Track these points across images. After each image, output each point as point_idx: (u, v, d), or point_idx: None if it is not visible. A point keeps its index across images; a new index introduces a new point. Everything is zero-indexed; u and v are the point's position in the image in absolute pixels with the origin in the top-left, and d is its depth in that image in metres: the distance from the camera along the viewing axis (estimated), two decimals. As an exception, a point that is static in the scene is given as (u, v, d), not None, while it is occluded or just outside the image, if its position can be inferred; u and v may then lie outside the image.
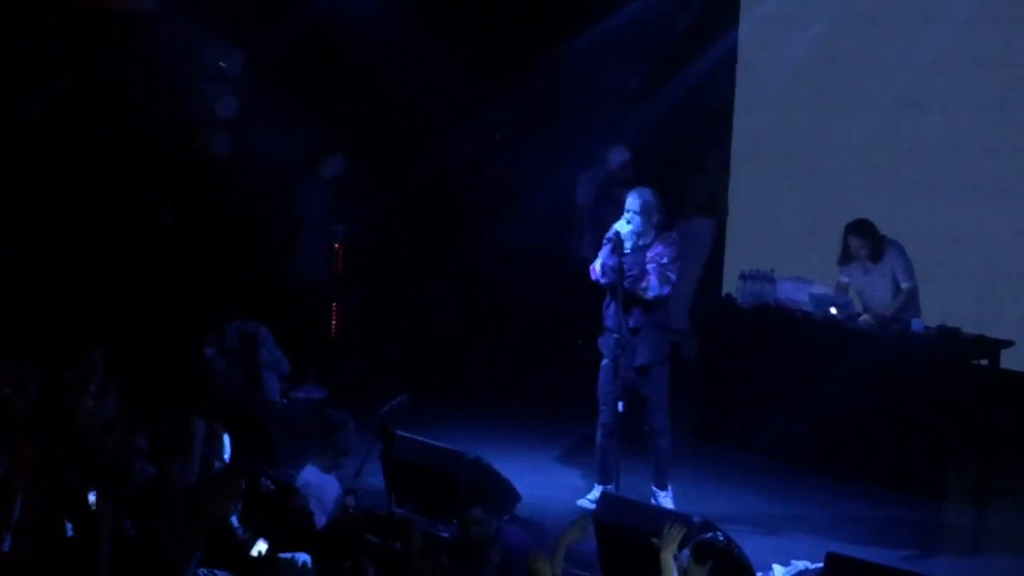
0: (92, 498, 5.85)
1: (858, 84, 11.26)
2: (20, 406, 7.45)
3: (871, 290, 9.69)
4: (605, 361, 8.54)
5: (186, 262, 11.41)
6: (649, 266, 8.32)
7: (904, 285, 9.56)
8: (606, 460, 8.61)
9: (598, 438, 8.66)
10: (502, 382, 11.58)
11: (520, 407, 10.98)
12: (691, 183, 12.35)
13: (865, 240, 9.58)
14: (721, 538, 6.54)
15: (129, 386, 8.01)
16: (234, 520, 6.18)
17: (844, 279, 9.84)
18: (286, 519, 6.35)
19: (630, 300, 8.34)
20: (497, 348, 12.03)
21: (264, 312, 10.54)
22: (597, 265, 8.43)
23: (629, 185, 9.46)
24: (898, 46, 11.03)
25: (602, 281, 8.42)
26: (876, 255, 9.59)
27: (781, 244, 11.20)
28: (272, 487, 6.74)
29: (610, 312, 8.45)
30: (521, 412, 10.85)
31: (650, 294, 8.33)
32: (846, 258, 9.74)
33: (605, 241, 8.39)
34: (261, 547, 5.75)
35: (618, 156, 11.69)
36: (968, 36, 10.64)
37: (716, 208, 12.20)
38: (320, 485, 7.25)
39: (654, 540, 6.32)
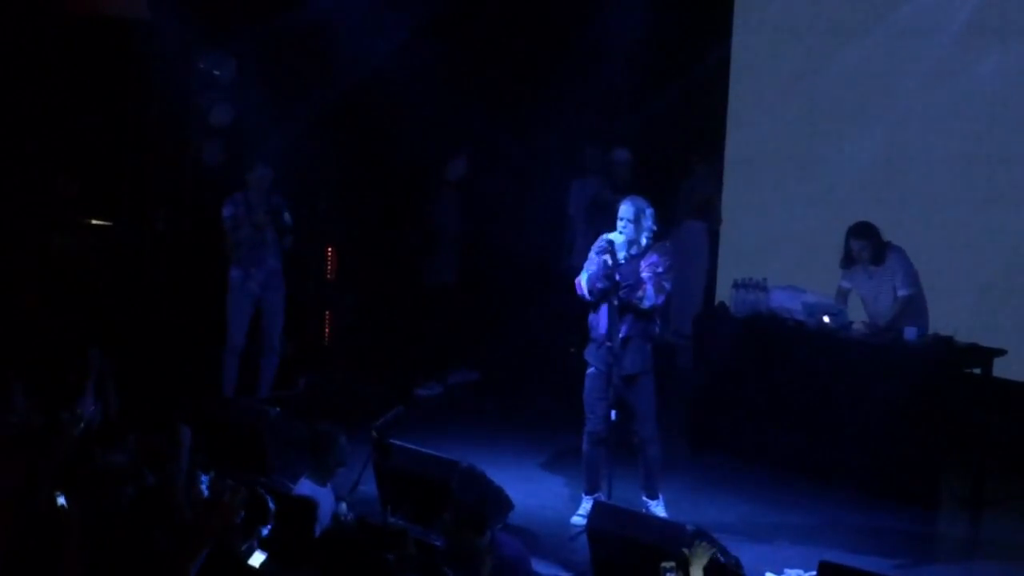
0: (61, 500, 5.78)
1: (851, 94, 11.29)
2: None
3: (876, 297, 9.63)
4: (591, 369, 8.47)
5: (177, 269, 11.39)
6: (644, 275, 8.25)
7: (901, 293, 9.51)
8: (592, 470, 8.54)
9: (584, 447, 8.57)
10: (494, 390, 11.58)
11: (513, 415, 10.98)
12: (681, 187, 12.38)
13: (867, 242, 9.53)
14: (722, 559, 6.49)
15: (122, 392, 8.00)
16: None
17: (846, 284, 9.81)
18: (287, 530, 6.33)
19: (623, 309, 8.28)
20: (489, 355, 12.01)
21: None
22: (583, 280, 8.32)
23: (623, 191, 9.44)
24: (891, 56, 11.06)
25: (588, 297, 8.34)
26: (878, 258, 9.53)
27: (774, 253, 11.21)
28: (269, 497, 6.71)
29: (599, 321, 8.38)
30: (513, 420, 10.85)
31: (646, 303, 8.26)
32: (848, 261, 9.70)
33: (594, 252, 8.32)
34: (259, 558, 5.72)
35: (620, 156, 11.73)
36: (960, 47, 10.66)
37: (707, 211, 12.22)
38: (316, 497, 7.22)
39: (685, 550, 6.11)
